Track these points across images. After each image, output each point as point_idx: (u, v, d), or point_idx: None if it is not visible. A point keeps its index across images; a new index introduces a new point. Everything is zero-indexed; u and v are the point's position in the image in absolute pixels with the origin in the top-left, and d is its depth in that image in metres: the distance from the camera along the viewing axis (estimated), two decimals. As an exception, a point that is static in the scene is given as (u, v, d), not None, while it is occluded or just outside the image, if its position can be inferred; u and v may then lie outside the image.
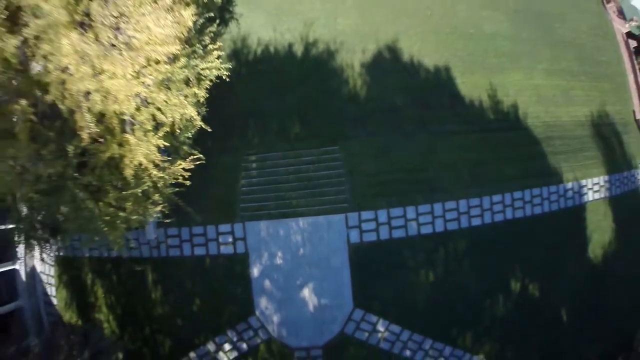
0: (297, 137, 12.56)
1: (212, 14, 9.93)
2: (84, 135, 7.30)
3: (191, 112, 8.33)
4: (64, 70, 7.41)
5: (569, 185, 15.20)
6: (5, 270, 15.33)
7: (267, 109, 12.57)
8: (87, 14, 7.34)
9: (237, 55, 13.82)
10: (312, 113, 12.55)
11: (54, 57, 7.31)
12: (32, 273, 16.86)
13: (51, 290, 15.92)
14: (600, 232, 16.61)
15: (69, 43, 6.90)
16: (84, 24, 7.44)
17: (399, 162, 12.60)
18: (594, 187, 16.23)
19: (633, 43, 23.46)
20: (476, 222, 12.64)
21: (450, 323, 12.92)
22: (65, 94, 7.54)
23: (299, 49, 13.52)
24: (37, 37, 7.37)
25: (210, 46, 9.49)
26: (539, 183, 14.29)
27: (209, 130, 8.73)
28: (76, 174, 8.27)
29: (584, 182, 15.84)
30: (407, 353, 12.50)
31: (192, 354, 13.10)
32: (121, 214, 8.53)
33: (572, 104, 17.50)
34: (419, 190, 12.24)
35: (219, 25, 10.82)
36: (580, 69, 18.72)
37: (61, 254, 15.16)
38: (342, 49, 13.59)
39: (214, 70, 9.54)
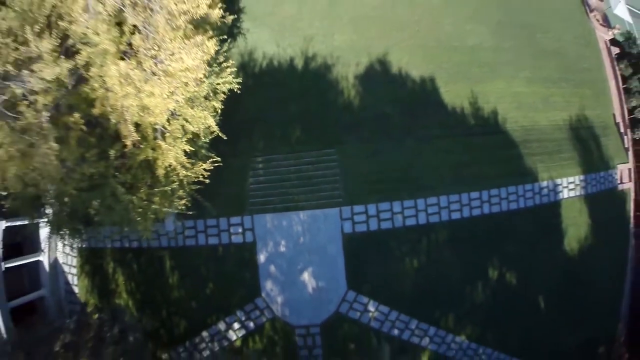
0: (297, 141, 14.64)
1: (225, 37, 12.00)
2: (128, 142, 9.37)
3: (211, 122, 10.38)
4: (108, 89, 9.51)
5: (544, 183, 17.16)
6: (30, 262, 17.44)
7: (272, 117, 14.62)
8: (130, 45, 9.44)
9: (245, 68, 15.86)
10: (311, 120, 14.61)
11: (101, 78, 9.41)
12: (55, 264, 18.97)
13: (73, 280, 17.99)
14: (575, 227, 18.53)
15: (116, 68, 8.97)
16: (127, 53, 9.55)
17: (387, 164, 14.63)
18: (569, 186, 18.16)
19: (615, 50, 25.41)
20: (456, 215, 14.65)
21: (433, 306, 14.91)
22: (109, 109, 9.65)
23: (299, 63, 15.57)
24: (87, 63, 9.48)
25: (224, 64, 11.57)
26: (515, 181, 16.27)
27: (225, 137, 10.74)
28: (116, 173, 10.35)
29: (559, 180, 17.79)
30: (395, 332, 14.50)
31: (204, 333, 15.14)
32: (153, 206, 10.58)
33: (551, 110, 19.43)
34: (404, 188, 14.28)
35: (229, 41, 12.85)
36: (561, 76, 20.64)
37: (84, 245, 17.23)
38: (338, 62, 15.63)
39: (227, 85, 11.62)
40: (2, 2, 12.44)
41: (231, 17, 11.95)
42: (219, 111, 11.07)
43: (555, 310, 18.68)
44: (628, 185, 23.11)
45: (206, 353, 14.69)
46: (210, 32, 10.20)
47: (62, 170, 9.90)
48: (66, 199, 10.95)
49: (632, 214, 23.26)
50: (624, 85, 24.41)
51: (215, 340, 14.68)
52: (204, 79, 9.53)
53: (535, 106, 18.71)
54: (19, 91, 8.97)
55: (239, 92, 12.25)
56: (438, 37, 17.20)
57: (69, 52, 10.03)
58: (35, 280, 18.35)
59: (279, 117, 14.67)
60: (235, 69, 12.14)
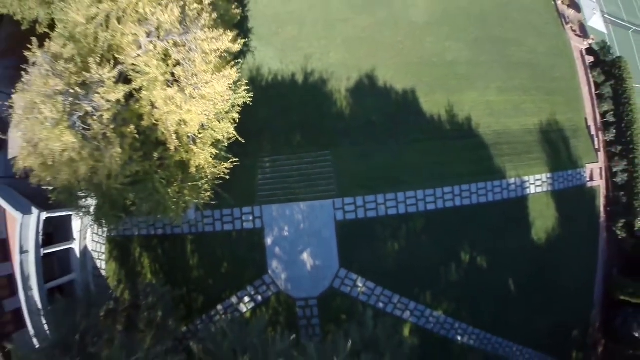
0: (298, 145, 18.12)
1: (239, 60, 15.49)
2: (171, 146, 12.84)
3: (232, 130, 13.82)
4: (155, 107, 13.00)
5: (512, 180, 20.51)
6: (61, 249, 20.82)
7: (277, 124, 18.08)
8: (173, 74, 12.94)
9: (254, 82, 19.33)
10: (310, 127, 18.09)
11: (149, 99, 12.90)
12: (85, 251, 22.47)
13: (101, 265, 21.48)
14: (543, 219, 21.83)
15: (164, 93, 12.43)
16: (170, 81, 13.03)
17: (373, 163, 18.07)
18: (536, 183, 21.46)
19: (590, 59, 28.74)
20: (431, 207, 18.05)
21: (413, 283, 18.27)
22: (154, 121, 13.14)
23: (299, 78, 19.04)
24: (140, 88, 12.97)
25: (239, 82, 15.02)
26: (485, 178, 19.63)
27: (243, 141, 14.20)
28: (157, 170, 13.82)
29: (526, 178, 21.13)
30: (380, 305, 17.87)
31: (219, 307, 18.55)
32: (185, 197, 14.03)
33: (522, 115, 22.77)
34: (387, 183, 17.71)
35: (242, 61, 16.33)
36: (533, 85, 24.00)
37: (113, 234, 20.73)
38: (333, 77, 19.11)
39: (241, 99, 15.07)
40: (51, 27, 15.90)
41: (243, 40, 15.38)
42: (237, 121, 14.51)
43: (526, 293, 21.97)
44: (598, 183, 26.45)
45: (220, 324, 18.08)
46: (232, 62, 13.69)
47: (117, 169, 13.38)
48: (113, 192, 14.42)
49: (602, 209, 26.60)
50: (597, 92, 27.78)
51: (229, 313, 18.08)
52: (229, 99, 12.97)
53: (507, 113, 22.08)
54: (89, 109, 12.47)
55: (250, 103, 15.70)
56: (420, 54, 20.65)
57: (121, 77, 13.54)
58: (65, 265, 21.84)
59: (283, 124, 18.15)
60: (247, 85, 15.61)
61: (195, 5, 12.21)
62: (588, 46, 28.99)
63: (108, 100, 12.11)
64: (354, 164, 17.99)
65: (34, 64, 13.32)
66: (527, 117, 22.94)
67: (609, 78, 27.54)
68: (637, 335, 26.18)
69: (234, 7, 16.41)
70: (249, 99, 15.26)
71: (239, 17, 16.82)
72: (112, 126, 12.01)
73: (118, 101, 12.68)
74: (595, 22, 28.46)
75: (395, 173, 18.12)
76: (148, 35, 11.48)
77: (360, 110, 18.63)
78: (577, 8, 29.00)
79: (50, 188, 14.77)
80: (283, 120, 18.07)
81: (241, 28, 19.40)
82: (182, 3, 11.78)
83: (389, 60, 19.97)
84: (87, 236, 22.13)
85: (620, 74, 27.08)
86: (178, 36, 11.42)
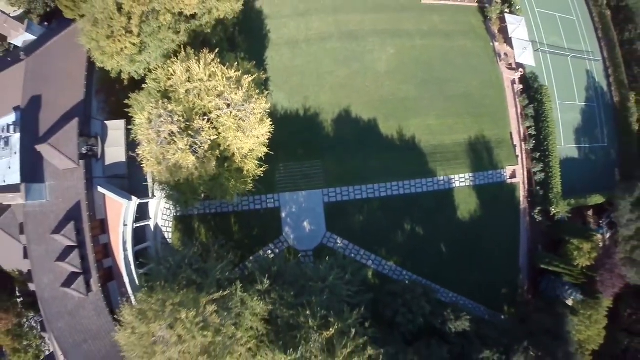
0: (301, 156, 32.92)
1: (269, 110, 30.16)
2: (236, 160, 27.54)
3: (264, 149, 28.43)
4: (226, 139, 27.77)
5: (441, 178, 35.13)
6: (142, 225, 35.44)
7: (287, 143, 32.75)
8: (238, 125, 27.77)
9: (272, 115, 33.92)
10: (309, 145, 32.85)
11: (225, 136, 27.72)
12: (156, 227, 37.14)
13: (168, 236, 36.15)
14: (465, 204, 36.34)
15: (233, 133, 27.19)
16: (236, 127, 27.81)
17: (348, 167, 32.80)
18: (460, 179, 35.99)
19: (519, 86, 43.14)
20: (384, 194, 32.73)
21: (373, 242, 32.97)
22: (226, 146, 28.05)
23: (301, 113, 33.72)
24: (214, 119, 27.80)
25: (264, 119, 29.71)
26: (421, 176, 34.33)
27: (272, 153, 28.92)
28: (227, 171, 28.61)
29: (452, 176, 35.73)
30: (352, 255, 32.51)
31: (251, 258, 33.17)
32: (239, 187, 28.70)
33: (454, 133, 37.26)
34: (356, 179, 32.45)
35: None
36: (465, 111, 38.50)
37: (178, 214, 35.41)
38: (322, 112, 33.82)
39: (268, 128, 29.75)
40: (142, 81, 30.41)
41: (267, 92, 29.89)
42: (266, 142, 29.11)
43: (456, 255, 36.48)
44: (518, 180, 40.99)
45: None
46: (267, 116, 28.28)
47: (210, 173, 27.95)
48: (196, 185, 29.03)
49: (523, 199, 40.94)
50: (522, 112, 42.23)
51: (257, 261, 32.77)
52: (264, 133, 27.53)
53: (442, 132, 36.61)
54: (198, 142, 27.07)
55: (272, 132, 30.36)
56: (380, 94, 35.31)
57: (209, 123, 28.17)
58: (142, 236, 36.48)
59: (291, 143, 32.82)
60: (270, 120, 30.19)
61: (246, 86, 26.73)
62: (518, 77, 43.50)
63: (208, 138, 26.64)
64: (336, 167, 32.83)
65: (150, 120, 27.72)
66: (458, 134, 37.47)
67: (532, 101, 42.04)
68: (557, 294, 40.69)
69: (262, 73, 30.99)
70: (271, 128, 29.77)
71: (264, 78, 31.41)
72: (209, 151, 26.57)
73: (210, 138, 27.29)
74: (525, 57, 42.98)
75: (362, 173, 32.91)
76: (228, 106, 25.98)
77: (340, 133, 33.42)
78: (512, 46, 43.45)
79: (154, 183, 29.59)
80: (291, 140, 32.79)
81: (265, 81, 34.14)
82: (242, 86, 26.29)
83: (359, 99, 34.68)
84: (158, 216, 36.93)
85: (541, 98, 41.58)
86: (241, 106, 25.92)
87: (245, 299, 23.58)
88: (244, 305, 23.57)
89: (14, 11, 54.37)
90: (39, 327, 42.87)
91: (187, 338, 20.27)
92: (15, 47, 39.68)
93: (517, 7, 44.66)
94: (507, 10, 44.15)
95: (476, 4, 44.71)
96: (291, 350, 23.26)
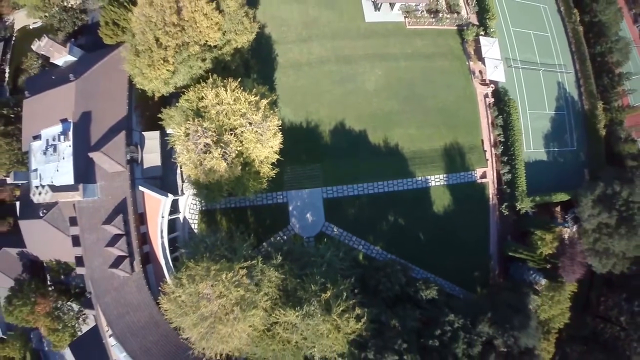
0: (304, 160, 43.02)
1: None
2: (255, 165, 37.74)
3: (276, 157, 38.62)
4: (248, 149, 38.10)
5: (419, 178, 45.18)
6: (173, 217, 45.61)
7: (293, 150, 42.59)
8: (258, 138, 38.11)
9: (280, 128, 43.95)
10: (310, 151, 42.86)
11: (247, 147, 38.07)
12: (184, 219, 47.30)
13: (194, 226, 46.28)
14: (440, 200, 46.43)
15: (253, 144, 37.39)
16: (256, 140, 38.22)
17: (343, 169, 42.84)
18: (435, 179, 46.07)
19: (491, 100, 53.43)
20: (372, 191, 42.76)
21: (363, 230, 43.02)
22: (247, 154, 38.35)
23: (304, 125, 43.75)
24: (239, 134, 38.12)
25: (276, 133, 40.01)
26: (403, 177, 44.31)
27: (282, 159, 39.27)
28: (247, 173, 38.90)
29: (428, 177, 45.80)
30: (346, 240, 42.60)
31: (264, 243, 43.22)
32: (257, 186, 38.88)
33: (431, 141, 47.34)
34: (350, 179, 42.52)
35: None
36: (441, 122, 48.61)
37: (203, 208, 45.59)
38: (321, 124, 43.85)
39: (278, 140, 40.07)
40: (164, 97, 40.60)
41: (276, 108, 40.02)
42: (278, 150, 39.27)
43: (434, 243, 46.61)
44: (488, 180, 51.13)
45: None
46: (279, 132, 38.47)
47: (236, 175, 38.14)
48: (223, 184, 39.19)
49: (493, 197, 51.18)
50: (492, 122, 52.49)
51: (271, 244, 42.87)
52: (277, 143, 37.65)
53: (421, 140, 46.68)
54: (227, 152, 37.19)
55: (281, 142, 40.50)
56: (369, 109, 45.35)
57: (235, 136, 38.39)
58: (172, 227, 46.51)
59: (296, 150, 42.76)
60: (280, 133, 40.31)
61: (263, 108, 36.78)
62: (490, 91, 53.79)
63: (235, 148, 36.70)
64: (332, 169, 42.82)
65: (187, 134, 37.78)
66: (435, 142, 47.53)
67: (501, 112, 52.25)
68: (524, 278, 50.82)
69: (273, 94, 41.08)
70: (280, 140, 39.91)
71: (275, 98, 41.51)
72: (236, 158, 36.63)
73: (237, 148, 37.36)
74: (496, 74, 53.15)
75: (354, 174, 42.91)
76: (250, 124, 35.98)
77: (336, 141, 43.43)
78: (485, 64, 53.69)
79: (183, 183, 39.78)
80: (295, 148, 42.70)
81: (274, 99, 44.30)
82: (260, 109, 36.33)
83: (352, 114, 44.74)
84: (186, 210, 47.05)
85: (509, 109, 51.74)
86: (259, 124, 35.95)
87: (264, 269, 33.53)
88: (263, 274, 33.50)
89: (34, 22, 64.57)
90: (75, 309, 52.88)
91: (226, 293, 30.20)
92: (54, 65, 49.47)
93: (492, 30, 54.80)
94: (482, 33, 54.33)
95: (455, 27, 54.84)
96: (298, 307, 33.34)
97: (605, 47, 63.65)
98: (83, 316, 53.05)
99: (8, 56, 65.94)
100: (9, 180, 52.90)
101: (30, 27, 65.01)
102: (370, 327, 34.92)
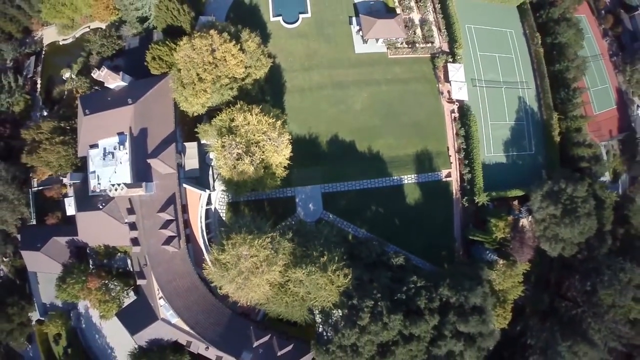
0: (307, 164, 62.33)
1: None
2: (272, 167, 58.09)
3: (287, 161, 58.79)
4: (267, 157, 58.68)
5: (394, 177, 64.63)
6: (208, 208, 65.76)
7: (299, 156, 62.16)
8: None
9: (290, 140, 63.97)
10: (312, 156, 62.28)
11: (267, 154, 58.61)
12: (215, 209, 67.63)
13: (223, 215, 66.46)
14: (411, 193, 65.79)
15: (272, 153, 57.80)
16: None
17: (337, 171, 62.49)
18: (408, 178, 65.62)
19: (456, 114, 73.66)
20: (359, 187, 62.42)
21: (352, 216, 62.23)
22: (267, 160, 58.94)
23: (307, 137, 63.28)
24: (261, 146, 58.74)
25: (288, 145, 60.40)
26: (381, 176, 63.67)
27: (291, 164, 59.70)
28: (266, 174, 59.31)
29: (403, 176, 65.12)
30: (339, 224, 62.61)
31: (278, 226, 63.13)
32: (272, 183, 59.11)
33: (406, 148, 66.78)
34: (343, 177, 62.37)
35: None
36: (414, 134, 68.16)
37: (230, 201, 65.92)
38: (320, 136, 63.27)
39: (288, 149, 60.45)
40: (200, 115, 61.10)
41: (287, 125, 60.16)
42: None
43: (405, 226, 66.36)
44: (452, 179, 71.06)
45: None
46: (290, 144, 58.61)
47: (260, 175, 58.27)
48: (248, 182, 59.42)
49: (456, 192, 71.32)
50: (456, 132, 72.65)
51: (284, 225, 62.90)
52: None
53: (398, 148, 66.19)
54: (253, 158, 57.31)
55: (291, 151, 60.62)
56: (357, 124, 64.79)
57: (258, 146, 58.72)
58: (206, 215, 66.89)
59: (300, 156, 61.97)
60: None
61: (279, 128, 56.75)
62: (456, 108, 73.88)
63: (259, 157, 56.71)
64: (329, 171, 62.20)
65: (223, 146, 57.77)
66: (408, 149, 67.02)
67: (464, 125, 72.28)
68: (482, 257, 70.99)
69: (285, 115, 61.00)
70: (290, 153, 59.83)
71: (285, 118, 61.56)
72: (260, 164, 56.63)
73: (261, 157, 57.38)
74: (461, 94, 72.79)
75: (346, 174, 62.11)
76: (269, 139, 55.89)
77: (331, 149, 62.79)
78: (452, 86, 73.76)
79: (214, 181, 60.14)
80: (300, 154, 61.53)
81: (282, 115, 64.46)
82: (276, 128, 56.25)
83: (344, 128, 64.36)
84: (216, 202, 67.27)
85: (469, 123, 71.69)
86: (276, 139, 55.86)
87: (280, 241, 53.09)
88: (279, 244, 53.32)
89: (63, 39, 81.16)
90: (120, 286, 70.98)
91: (257, 254, 50.23)
92: (106, 87, 67.97)
93: (459, 57, 74.40)
94: (450, 60, 74.04)
95: (429, 55, 74.66)
96: (304, 266, 53.51)
97: (563, 65, 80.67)
98: (127, 290, 71.07)
99: (39, 69, 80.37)
100: (66, 181, 71.12)
101: (60, 43, 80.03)
102: (354, 282, 54.67)
